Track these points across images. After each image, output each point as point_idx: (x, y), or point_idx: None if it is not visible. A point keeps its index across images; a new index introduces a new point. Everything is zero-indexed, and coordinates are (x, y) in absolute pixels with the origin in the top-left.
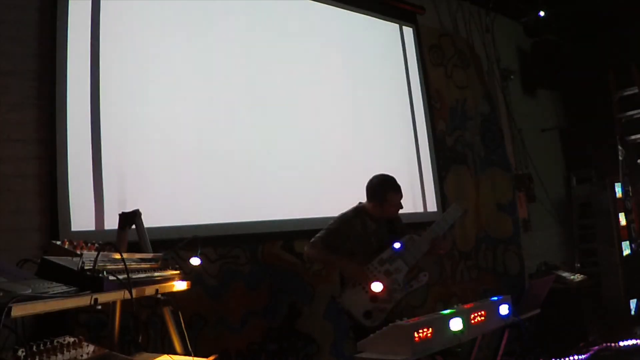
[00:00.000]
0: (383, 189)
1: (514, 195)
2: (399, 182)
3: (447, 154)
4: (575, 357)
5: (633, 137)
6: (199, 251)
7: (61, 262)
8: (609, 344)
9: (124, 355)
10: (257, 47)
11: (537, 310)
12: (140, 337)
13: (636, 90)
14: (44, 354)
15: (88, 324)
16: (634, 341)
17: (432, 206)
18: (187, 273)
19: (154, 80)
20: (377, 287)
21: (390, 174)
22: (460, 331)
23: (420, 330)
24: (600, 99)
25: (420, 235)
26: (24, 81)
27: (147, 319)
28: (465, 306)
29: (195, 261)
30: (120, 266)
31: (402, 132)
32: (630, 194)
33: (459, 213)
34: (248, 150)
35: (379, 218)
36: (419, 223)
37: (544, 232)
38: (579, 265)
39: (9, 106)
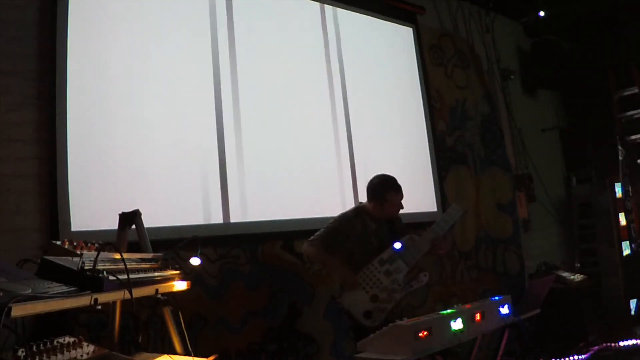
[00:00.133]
0: (383, 189)
1: (514, 195)
2: (399, 182)
3: (447, 154)
4: (575, 357)
5: (633, 137)
6: (199, 251)
7: (61, 262)
8: (609, 344)
9: (124, 355)
10: (257, 47)
11: (537, 310)
12: (140, 337)
13: (636, 90)
14: (44, 354)
15: (88, 324)
16: (634, 341)
17: (432, 206)
18: (187, 273)
19: (154, 79)
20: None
21: (391, 174)
22: (460, 331)
23: (420, 330)
24: (600, 99)
25: (420, 235)
26: (24, 81)
27: (147, 319)
28: (465, 306)
29: (195, 261)
30: (120, 266)
31: (402, 132)
32: (630, 194)
33: (459, 213)
34: (248, 151)
35: (379, 218)
36: (419, 223)
37: (544, 232)
38: (579, 265)
39: (9, 106)
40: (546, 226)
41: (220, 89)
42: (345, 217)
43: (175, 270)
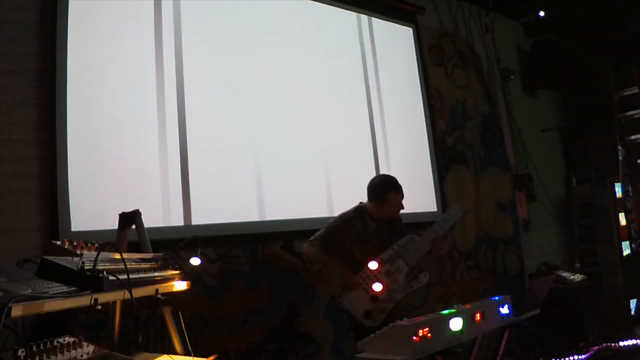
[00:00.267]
0: (384, 189)
1: (514, 195)
2: (399, 182)
3: (447, 154)
4: (575, 357)
5: (633, 137)
6: (199, 251)
7: (61, 262)
8: (609, 344)
9: (124, 355)
10: (257, 47)
11: (537, 310)
12: (140, 337)
13: (636, 90)
14: (44, 354)
15: (88, 324)
16: (634, 341)
17: (432, 206)
18: (187, 273)
19: (154, 79)
20: (377, 287)
21: (391, 174)
22: (460, 331)
23: (420, 330)
24: (600, 99)
25: (421, 235)
26: (24, 81)
27: (147, 319)
28: (465, 306)
29: (195, 261)
30: (120, 266)
31: (402, 132)
32: (630, 194)
33: (459, 213)
34: (248, 150)
35: (380, 218)
36: (419, 223)
37: (544, 232)
38: (579, 265)
39: (9, 106)
40: (546, 226)
41: (219, 88)
42: (345, 217)
43: (175, 270)
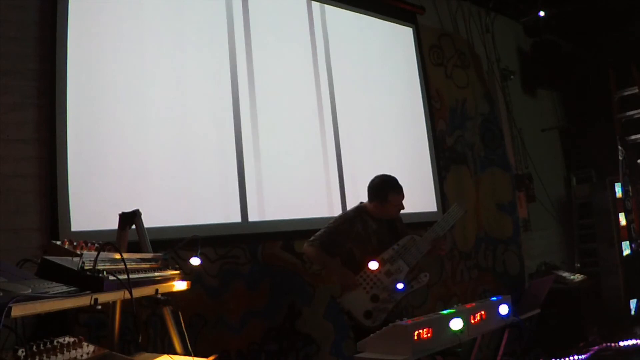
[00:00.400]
0: (384, 189)
1: (514, 195)
2: (399, 182)
3: (447, 154)
4: (575, 357)
5: (633, 137)
6: (199, 251)
7: (61, 262)
8: (609, 344)
9: (124, 355)
10: (257, 47)
11: (537, 310)
12: (140, 337)
13: (636, 90)
14: (44, 354)
15: (88, 324)
16: (634, 341)
17: (432, 206)
18: (187, 273)
19: (154, 79)
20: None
21: (391, 174)
22: (460, 331)
23: (420, 330)
24: (600, 99)
25: (421, 235)
26: (24, 81)
27: (147, 319)
28: (465, 306)
29: (195, 261)
30: (120, 266)
31: (402, 132)
32: (630, 194)
33: (460, 213)
34: (248, 151)
35: (380, 218)
36: (419, 223)
37: (544, 232)
38: (579, 265)
39: (9, 106)
40: (546, 226)
41: (219, 88)
42: (345, 217)
43: (175, 270)
